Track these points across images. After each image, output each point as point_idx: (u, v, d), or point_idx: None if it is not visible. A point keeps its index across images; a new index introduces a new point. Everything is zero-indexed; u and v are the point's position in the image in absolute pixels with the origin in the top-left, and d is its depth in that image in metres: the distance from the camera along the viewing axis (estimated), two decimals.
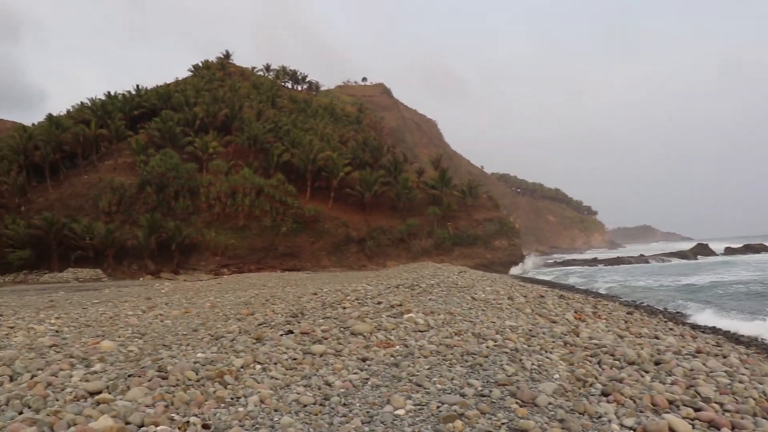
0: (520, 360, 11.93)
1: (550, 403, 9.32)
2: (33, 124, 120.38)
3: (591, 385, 10.50)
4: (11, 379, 12.07)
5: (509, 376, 10.61)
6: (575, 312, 20.80)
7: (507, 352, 12.51)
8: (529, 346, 13.45)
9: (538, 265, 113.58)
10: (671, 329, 20.02)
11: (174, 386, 10.34)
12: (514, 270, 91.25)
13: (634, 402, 9.78)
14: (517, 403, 9.29)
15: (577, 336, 15.14)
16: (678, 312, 28.57)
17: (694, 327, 22.49)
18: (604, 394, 10.05)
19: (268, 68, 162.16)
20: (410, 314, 16.69)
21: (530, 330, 15.42)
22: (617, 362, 12.23)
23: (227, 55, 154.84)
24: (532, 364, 11.62)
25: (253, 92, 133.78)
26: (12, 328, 21.66)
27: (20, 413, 9.16)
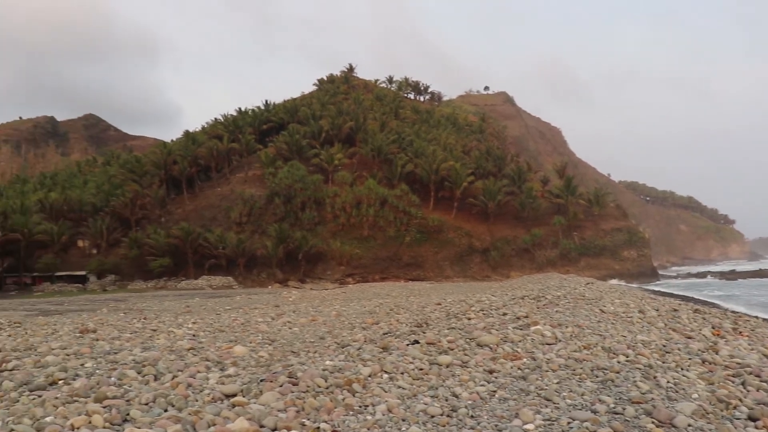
0: (655, 377, 11.38)
1: (689, 425, 8.76)
2: (172, 140, 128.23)
3: (735, 408, 9.76)
4: (155, 378, 12.78)
5: (643, 394, 10.15)
6: (713, 327, 19.60)
7: (640, 369, 11.98)
8: (663, 362, 12.82)
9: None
10: None
11: (304, 392, 10.53)
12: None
13: None
14: (653, 422, 8.83)
15: (716, 353, 14.24)
16: None
17: None
18: (752, 418, 9.26)
19: (390, 80, 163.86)
20: (537, 326, 16.36)
21: (664, 345, 14.73)
22: (765, 384, 11.31)
23: (351, 69, 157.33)
24: (668, 382, 11.05)
25: (377, 104, 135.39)
26: (155, 330, 23.08)
27: (165, 410, 9.72)
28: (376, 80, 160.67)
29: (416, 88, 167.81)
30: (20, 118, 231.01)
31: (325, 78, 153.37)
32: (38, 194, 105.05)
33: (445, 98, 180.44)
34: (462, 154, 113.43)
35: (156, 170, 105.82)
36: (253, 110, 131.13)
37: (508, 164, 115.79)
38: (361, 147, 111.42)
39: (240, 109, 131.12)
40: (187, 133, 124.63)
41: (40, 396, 11.02)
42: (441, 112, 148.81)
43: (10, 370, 14.03)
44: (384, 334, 18.65)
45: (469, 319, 19.18)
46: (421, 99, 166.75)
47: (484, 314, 20.13)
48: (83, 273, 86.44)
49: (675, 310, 24.60)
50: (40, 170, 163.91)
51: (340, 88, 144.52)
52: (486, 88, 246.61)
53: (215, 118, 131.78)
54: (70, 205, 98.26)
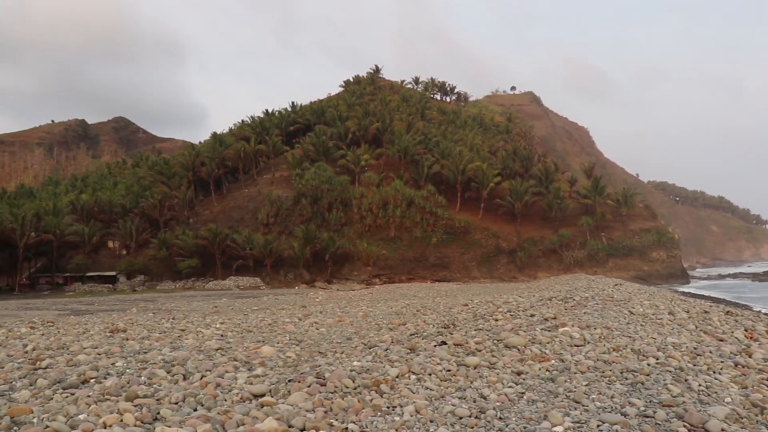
0: (686, 380, 11.25)
1: (723, 430, 8.63)
2: (199, 142, 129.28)
3: None
4: (184, 378, 12.92)
5: (674, 397, 10.01)
6: (745, 330, 19.17)
7: (670, 371, 11.82)
8: (694, 365, 12.64)
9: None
10: None
11: (332, 393, 10.56)
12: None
13: None
14: (684, 426, 8.71)
15: (750, 357, 13.99)
16: None
17: None
18: None
19: (417, 81, 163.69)
20: (565, 328, 16.21)
21: (695, 348, 14.51)
22: None
23: (377, 70, 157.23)
24: (699, 385, 10.89)
25: (403, 105, 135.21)
26: (183, 331, 23.30)
27: (195, 410, 9.84)
28: (402, 81, 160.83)
29: (442, 88, 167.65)
30: (52, 121, 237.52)
31: (351, 79, 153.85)
32: (70, 196, 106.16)
33: (471, 98, 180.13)
34: (489, 155, 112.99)
35: (184, 172, 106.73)
36: (279, 112, 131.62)
37: (535, 164, 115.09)
38: (388, 148, 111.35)
39: (267, 110, 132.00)
40: (214, 135, 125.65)
41: (72, 394, 11.22)
42: (467, 112, 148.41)
43: (44, 368, 14.28)
44: (411, 335, 18.66)
45: (497, 320, 19.12)
46: (448, 99, 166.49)
47: (511, 315, 20.07)
48: (113, 273, 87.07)
49: (706, 312, 24.29)
50: (72, 172, 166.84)
51: (367, 89, 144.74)
52: (513, 88, 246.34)
53: (242, 120, 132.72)
54: (100, 207, 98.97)
